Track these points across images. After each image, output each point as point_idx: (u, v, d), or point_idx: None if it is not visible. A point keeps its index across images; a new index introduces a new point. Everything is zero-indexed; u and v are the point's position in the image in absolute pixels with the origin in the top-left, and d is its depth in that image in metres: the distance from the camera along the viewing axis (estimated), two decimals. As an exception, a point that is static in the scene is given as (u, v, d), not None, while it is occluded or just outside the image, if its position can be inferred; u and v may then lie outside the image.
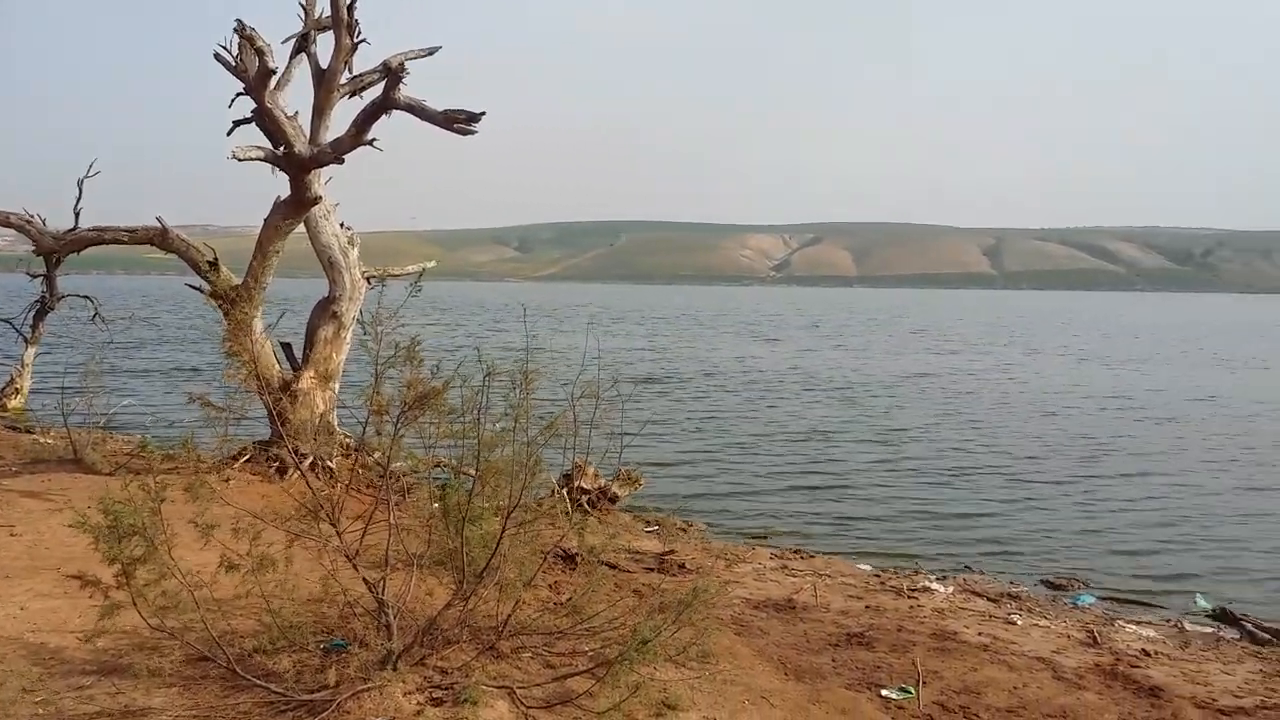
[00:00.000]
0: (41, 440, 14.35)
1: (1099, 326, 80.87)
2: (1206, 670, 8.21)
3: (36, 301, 19.49)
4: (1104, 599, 10.52)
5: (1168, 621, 9.80)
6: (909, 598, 9.86)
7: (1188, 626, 9.63)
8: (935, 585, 10.43)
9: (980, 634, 8.74)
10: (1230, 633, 9.55)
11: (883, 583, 10.46)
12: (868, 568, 11.27)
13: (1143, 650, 8.60)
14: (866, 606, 9.37)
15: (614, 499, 12.30)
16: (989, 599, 10.14)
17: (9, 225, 12.56)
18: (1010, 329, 73.27)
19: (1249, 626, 9.58)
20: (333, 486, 9.21)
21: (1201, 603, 10.40)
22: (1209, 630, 9.57)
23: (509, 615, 5.93)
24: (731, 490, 15.49)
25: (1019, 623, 9.23)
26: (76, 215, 15.94)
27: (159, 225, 11.61)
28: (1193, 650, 8.81)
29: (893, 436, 21.04)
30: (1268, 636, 9.31)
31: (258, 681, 5.35)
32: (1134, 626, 9.43)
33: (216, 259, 11.68)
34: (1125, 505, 14.93)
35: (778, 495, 15.18)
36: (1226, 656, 8.70)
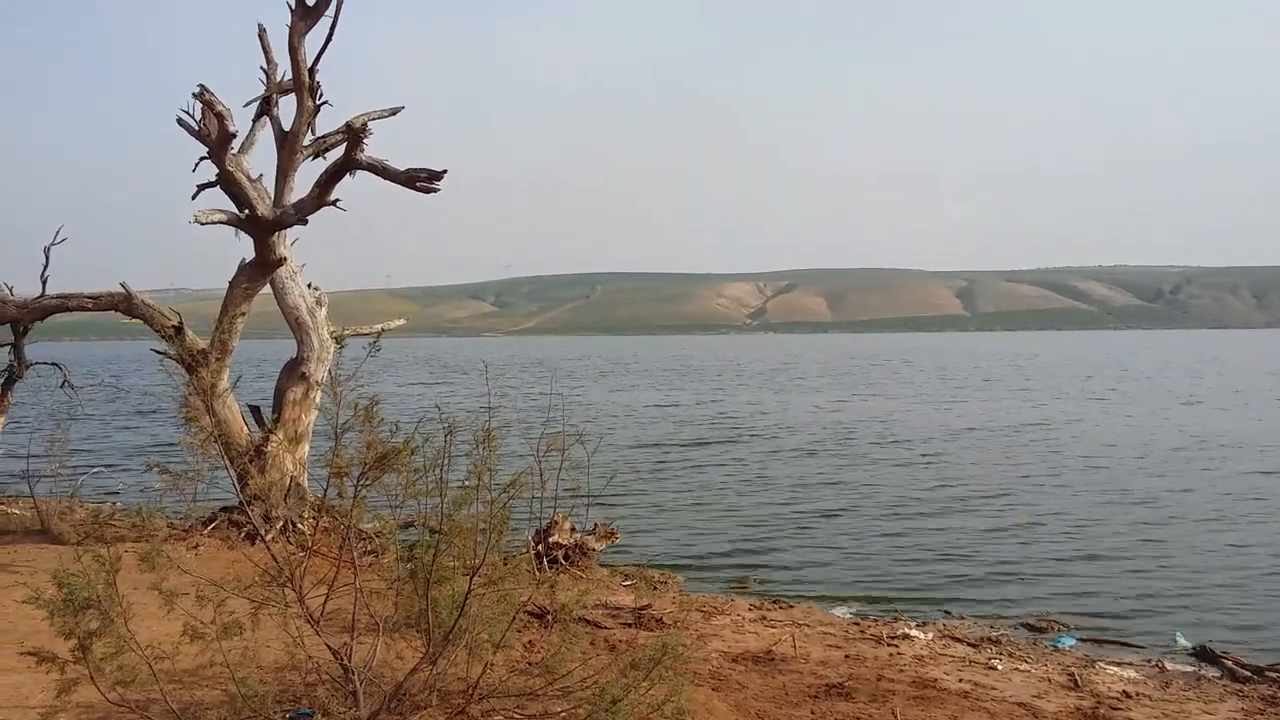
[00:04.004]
0: (9, 511, 14.12)
1: (1121, 367, 77.65)
2: (1188, 710, 8.15)
3: (4, 370, 19.27)
4: (1085, 640, 10.45)
5: (1148, 662, 9.73)
6: (889, 645, 9.77)
7: (1169, 666, 9.57)
8: (915, 632, 10.34)
9: (961, 680, 8.65)
10: (1211, 671, 9.48)
11: (862, 631, 10.36)
12: (847, 616, 11.19)
13: (1124, 692, 8.53)
14: (846, 656, 9.27)
15: (589, 553, 12.18)
16: (969, 644, 10.05)
17: (-30, 295, 12.46)
18: (1029, 372, 70.83)
19: (1229, 664, 9.52)
20: (302, 550, 9.09)
21: (1182, 641, 10.35)
22: (1190, 669, 9.51)
23: (479, 678, 5.82)
24: (714, 540, 15.40)
25: (999, 667, 9.15)
26: (44, 283, 15.83)
27: (123, 290, 11.55)
28: (1174, 690, 8.75)
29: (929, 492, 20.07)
30: (1248, 674, 9.26)
31: (220, 754, 5.22)
32: (1115, 668, 9.37)
33: (181, 323, 11.61)
34: (1111, 546, 14.86)
35: (769, 544, 15.13)
36: (1208, 695, 8.64)
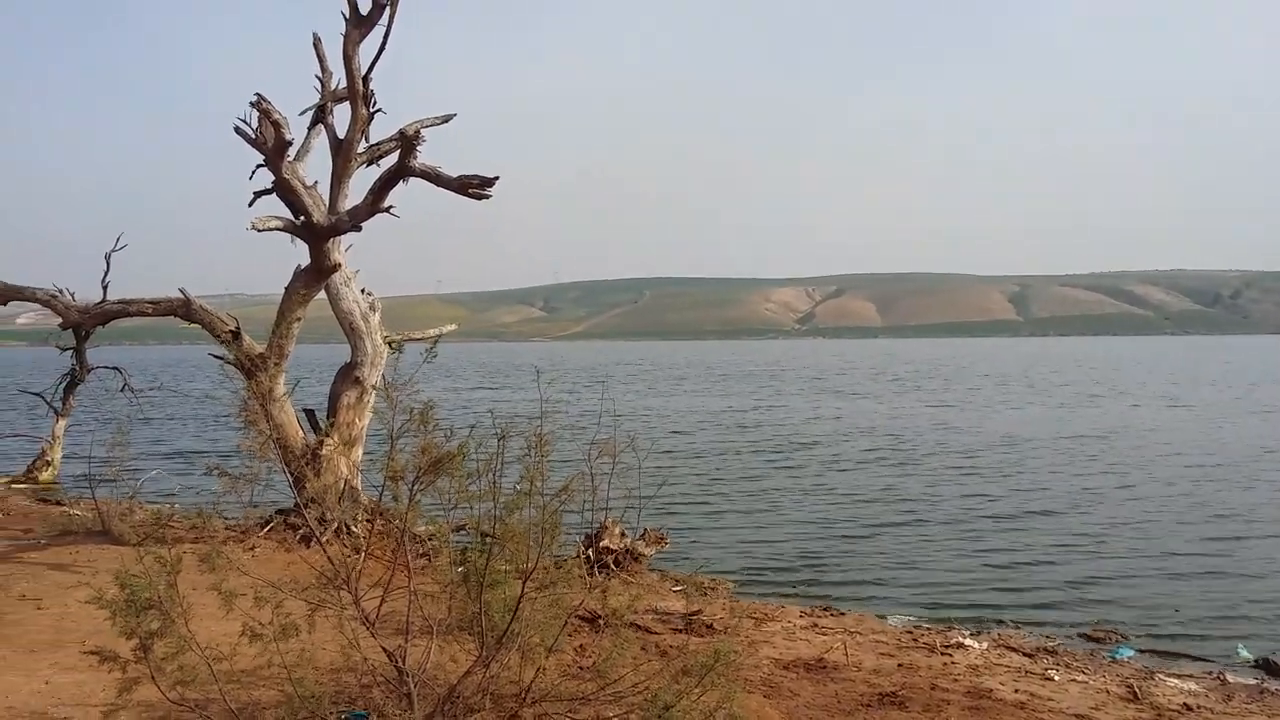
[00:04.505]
0: (71, 512, 14.44)
1: (1187, 373, 75.07)
2: (1251, 724, 7.97)
3: (66, 374, 19.77)
4: (1144, 651, 10.26)
5: (1209, 674, 9.53)
6: (942, 654, 9.65)
7: (1230, 678, 9.36)
8: (969, 641, 10.21)
9: (1017, 691, 8.53)
10: (1274, 683, 9.27)
11: (915, 639, 10.24)
12: (900, 624, 11.08)
13: (1184, 705, 8.36)
14: (899, 665, 9.17)
15: (639, 558, 12.18)
16: (1025, 654, 9.91)
17: (34, 300, 12.77)
18: (1095, 377, 68.84)
19: (1294, 676, 9.31)
20: (356, 552, 9.18)
21: (1243, 653, 10.12)
22: (1252, 682, 9.30)
23: (531, 681, 5.84)
24: (768, 548, 15.29)
25: (1056, 678, 9.00)
26: (104, 289, 16.19)
27: (182, 296, 11.76)
28: (1236, 703, 8.55)
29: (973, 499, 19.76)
30: (1314, 687, 9.04)
31: (277, 754, 5.28)
32: (1175, 680, 9.18)
33: (239, 328, 11.79)
34: (1179, 559, 14.51)
35: (820, 553, 14.96)
36: (1271, 709, 8.44)
